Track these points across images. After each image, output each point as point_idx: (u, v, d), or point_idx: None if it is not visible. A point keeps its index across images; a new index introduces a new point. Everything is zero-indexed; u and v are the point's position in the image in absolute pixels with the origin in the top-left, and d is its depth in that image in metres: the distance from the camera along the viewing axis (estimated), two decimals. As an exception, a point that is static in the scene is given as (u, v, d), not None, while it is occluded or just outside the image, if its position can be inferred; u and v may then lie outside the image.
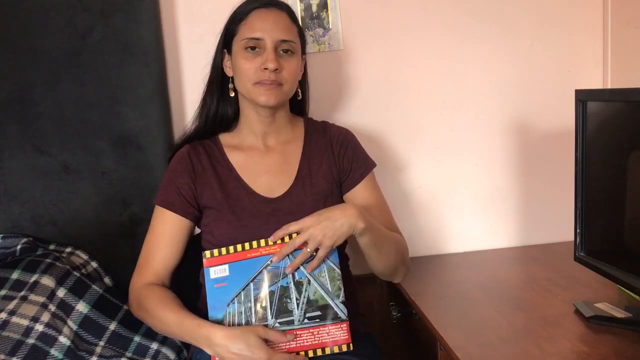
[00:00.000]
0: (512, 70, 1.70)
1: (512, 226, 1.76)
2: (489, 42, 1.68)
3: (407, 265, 1.37)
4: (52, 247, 1.47)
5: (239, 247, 1.21)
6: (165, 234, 1.30)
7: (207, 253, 1.21)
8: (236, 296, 1.19)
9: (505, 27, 1.68)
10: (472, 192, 1.73)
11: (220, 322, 1.17)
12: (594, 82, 1.73)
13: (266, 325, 1.17)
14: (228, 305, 1.18)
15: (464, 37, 1.67)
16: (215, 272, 1.20)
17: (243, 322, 1.17)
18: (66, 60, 1.45)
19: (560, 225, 1.70)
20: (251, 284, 1.19)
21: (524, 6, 1.68)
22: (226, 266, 1.20)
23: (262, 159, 1.36)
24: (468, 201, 1.73)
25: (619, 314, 1.19)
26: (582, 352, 1.07)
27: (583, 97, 1.27)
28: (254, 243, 1.21)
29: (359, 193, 1.36)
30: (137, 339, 1.35)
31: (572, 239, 1.32)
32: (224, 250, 1.21)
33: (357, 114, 1.66)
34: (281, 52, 1.28)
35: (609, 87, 1.70)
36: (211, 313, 1.18)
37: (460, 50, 1.68)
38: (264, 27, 1.27)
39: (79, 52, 1.46)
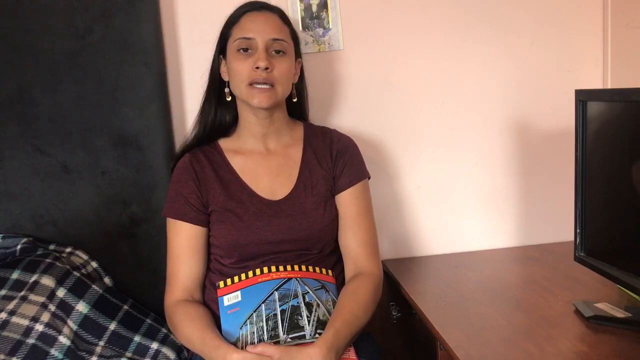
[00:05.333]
0: (513, 70, 1.70)
1: (512, 226, 1.76)
2: (489, 42, 1.68)
3: (377, 300, 1.31)
4: (52, 247, 1.46)
5: (250, 273, 1.25)
6: (184, 245, 1.31)
7: (221, 283, 1.25)
8: (248, 318, 1.21)
9: (505, 27, 1.68)
10: (472, 192, 1.73)
11: (234, 345, 1.18)
12: (594, 82, 1.73)
13: (277, 342, 1.18)
14: (241, 328, 1.20)
15: (464, 37, 1.67)
16: (229, 299, 1.23)
17: (256, 341, 1.18)
18: (66, 60, 1.45)
19: (560, 225, 1.70)
20: (263, 305, 1.21)
21: (524, 6, 1.68)
22: (238, 292, 1.23)
23: (263, 162, 1.36)
24: (468, 201, 1.73)
25: (619, 314, 1.19)
26: (582, 352, 1.07)
27: (583, 97, 1.27)
28: (265, 269, 1.25)
29: (344, 200, 1.35)
30: (137, 338, 1.35)
31: (572, 239, 1.32)
32: (236, 278, 1.24)
33: (356, 114, 1.66)
34: (273, 52, 1.29)
35: (609, 87, 1.70)
36: (225, 337, 1.20)
37: (461, 50, 1.67)
38: (254, 27, 1.29)
39: (79, 52, 1.46)
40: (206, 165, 1.35)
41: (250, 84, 1.28)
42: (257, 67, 1.26)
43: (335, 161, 1.37)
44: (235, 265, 1.30)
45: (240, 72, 1.29)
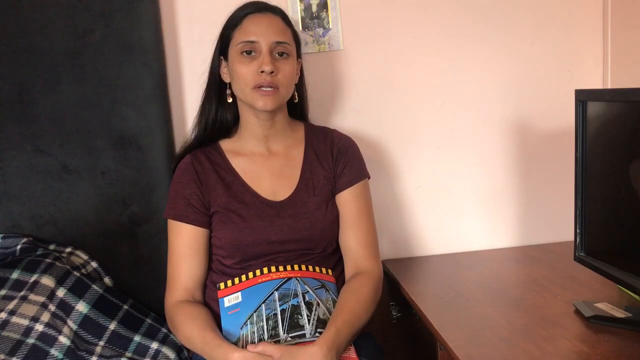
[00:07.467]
0: (512, 70, 1.70)
1: (512, 226, 1.76)
2: (489, 42, 1.68)
3: (377, 299, 1.32)
4: (52, 247, 1.46)
5: (250, 274, 1.25)
6: (185, 246, 1.31)
7: (222, 285, 1.25)
8: (249, 318, 1.21)
9: (505, 27, 1.68)
10: (472, 192, 1.73)
11: (235, 345, 1.18)
12: (594, 82, 1.73)
13: (278, 341, 1.18)
14: (241, 328, 1.21)
15: (464, 37, 1.67)
16: (229, 300, 1.24)
17: (256, 341, 1.18)
18: (66, 60, 1.45)
19: (560, 225, 1.70)
20: (263, 305, 1.22)
21: (524, 6, 1.68)
22: (239, 294, 1.24)
23: (265, 163, 1.36)
24: (468, 201, 1.73)
25: (619, 314, 1.19)
26: (582, 352, 1.07)
27: (583, 97, 1.27)
28: (265, 269, 1.25)
29: (345, 199, 1.36)
30: (137, 338, 1.35)
31: (572, 239, 1.32)
32: (236, 280, 1.25)
33: (356, 114, 1.66)
34: (276, 55, 1.29)
35: (609, 87, 1.70)
36: (226, 338, 1.20)
37: (460, 50, 1.67)
38: (258, 30, 1.28)
39: (79, 52, 1.45)
40: (207, 166, 1.35)
41: (255, 87, 1.28)
42: (262, 71, 1.26)
43: (336, 161, 1.37)
44: (237, 266, 1.30)
45: (244, 75, 1.28)
